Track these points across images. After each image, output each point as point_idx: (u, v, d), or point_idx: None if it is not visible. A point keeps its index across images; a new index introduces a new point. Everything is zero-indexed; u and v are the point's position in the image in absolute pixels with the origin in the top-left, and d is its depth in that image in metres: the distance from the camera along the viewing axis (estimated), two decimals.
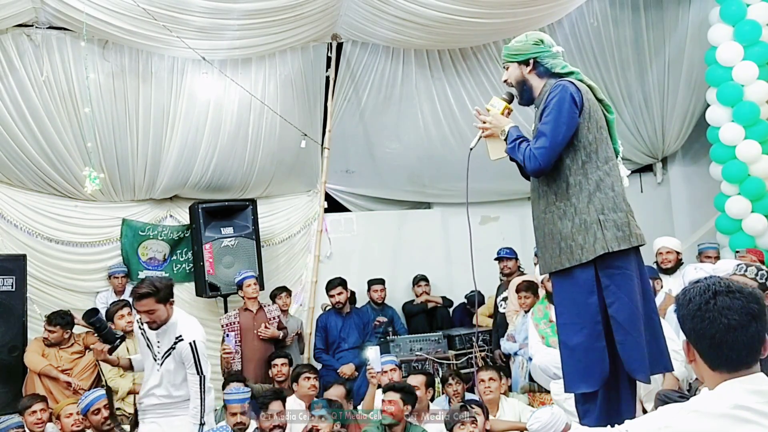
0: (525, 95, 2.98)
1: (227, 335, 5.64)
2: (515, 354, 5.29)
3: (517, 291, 5.31)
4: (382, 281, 6.72)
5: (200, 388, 3.75)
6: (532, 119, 3.09)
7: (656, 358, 2.78)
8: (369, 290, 6.72)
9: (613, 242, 2.71)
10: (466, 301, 7.04)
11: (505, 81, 3.02)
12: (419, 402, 4.42)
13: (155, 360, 3.88)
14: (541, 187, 2.89)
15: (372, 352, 4.87)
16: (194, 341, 3.75)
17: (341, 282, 6.27)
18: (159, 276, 4.70)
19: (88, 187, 5.23)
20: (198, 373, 3.75)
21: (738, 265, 3.85)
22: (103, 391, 4.60)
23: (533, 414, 3.65)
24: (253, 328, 5.70)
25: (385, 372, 4.94)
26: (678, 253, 5.57)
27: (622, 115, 7.33)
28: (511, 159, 2.93)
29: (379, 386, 4.87)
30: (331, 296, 6.25)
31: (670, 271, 5.47)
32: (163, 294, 3.75)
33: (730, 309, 1.58)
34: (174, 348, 3.78)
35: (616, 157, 2.91)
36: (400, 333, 6.48)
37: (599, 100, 2.90)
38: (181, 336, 3.77)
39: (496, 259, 6.36)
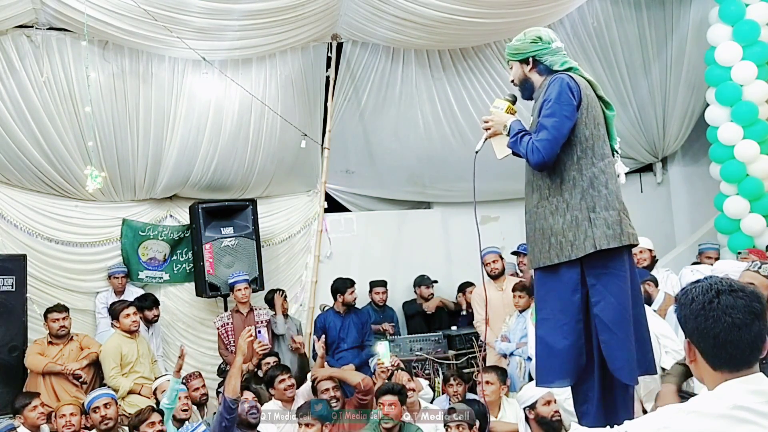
0: (527, 92, 3.00)
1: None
2: (511, 354, 5.29)
3: (513, 291, 5.38)
4: (384, 283, 6.71)
5: None
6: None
7: (639, 361, 2.74)
8: (371, 291, 6.70)
9: (602, 240, 2.68)
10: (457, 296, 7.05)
11: (512, 81, 3.03)
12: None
13: None
14: (536, 180, 2.88)
15: (382, 347, 4.88)
16: None
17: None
18: None
19: (90, 186, 5.23)
20: None
21: (753, 262, 3.67)
22: (107, 391, 4.60)
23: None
24: (243, 330, 5.74)
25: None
26: (651, 251, 5.57)
27: (624, 113, 7.33)
28: (514, 153, 2.91)
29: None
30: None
31: (647, 270, 5.46)
32: None
33: (734, 308, 1.58)
34: None
35: (613, 155, 2.89)
36: (399, 335, 6.48)
37: (599, 97, 2.88)
38: None
39: (513, 253, 6.65)
